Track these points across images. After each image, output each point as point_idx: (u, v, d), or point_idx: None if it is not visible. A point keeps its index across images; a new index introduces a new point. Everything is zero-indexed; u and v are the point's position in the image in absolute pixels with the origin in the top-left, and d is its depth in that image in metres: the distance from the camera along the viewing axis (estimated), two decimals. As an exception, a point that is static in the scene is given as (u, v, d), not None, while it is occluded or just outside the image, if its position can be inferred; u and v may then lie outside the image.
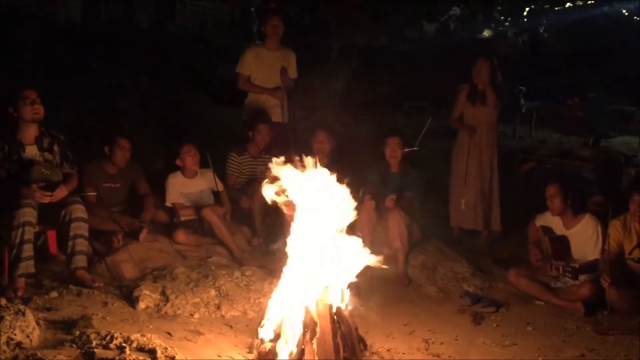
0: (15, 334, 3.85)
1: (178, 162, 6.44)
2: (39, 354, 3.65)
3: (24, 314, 4.01)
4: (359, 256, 4.12)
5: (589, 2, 23.04)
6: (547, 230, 5.71)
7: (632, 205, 5.37)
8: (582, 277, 5.38)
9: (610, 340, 4.82)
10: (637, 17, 23.85)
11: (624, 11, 23.77)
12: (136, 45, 12.47)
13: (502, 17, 24.26)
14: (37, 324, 4.13)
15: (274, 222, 6.46)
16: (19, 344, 3.83)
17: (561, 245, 5.57)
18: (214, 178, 6.49)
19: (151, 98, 10.65)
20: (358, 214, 4.25)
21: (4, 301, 4.23)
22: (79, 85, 10.01)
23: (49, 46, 11.05)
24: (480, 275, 6.00)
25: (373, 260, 4.16)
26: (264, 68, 7.06)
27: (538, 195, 5.98)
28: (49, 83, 8.52)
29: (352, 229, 4.28)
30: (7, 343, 3.79)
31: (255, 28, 18.02)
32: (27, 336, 3.92)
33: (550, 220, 5.75)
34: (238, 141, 7.01)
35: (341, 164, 6.19)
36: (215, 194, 6.58)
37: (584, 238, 5.58)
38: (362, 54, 16.18)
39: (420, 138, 6.84)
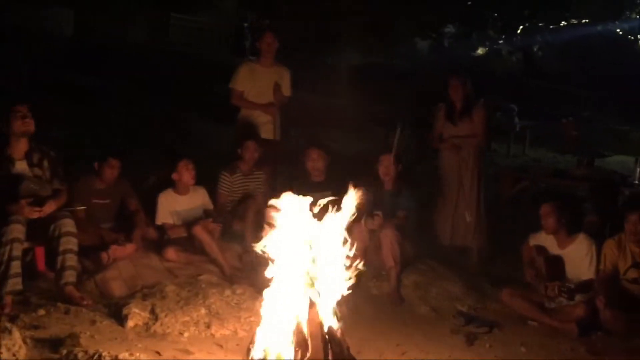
0: (1, 352, 3.79)
1: (175, 176, 6.35)
2: (25, 373, 3.60)
3: (10, 332, 3.95)
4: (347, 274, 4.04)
5: (584, 21, 23.18)
6: (541, 250, 5.67)
7: (627, 225, 5.34)
8: (577, 298, 5.34)
9: (605, 361, 4.76)
10: (632, 36, 24.05)
11: (619, 30, 23.96)
12: (129, 61, 12.46)
13: (496, 35, 24.33)
14: (24, 342, 4.06)
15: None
16: (4, 363, 3.78)
17: (555, 266, 5.53)
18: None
19: (144, 114, 10.62)
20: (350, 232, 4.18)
21: (-10, 319, 4.19)
22: (72, 103, 9.98)
23: (41, 62, 11.04)
24: (473, 295, 5.94)
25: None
26: (258, 84, 7.04)
27: (532, 215, 5.94)
28: (43, 100, 8.50)
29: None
30: (-7, 362, 3.74)
31: (249, 44, 18.08)
32: (14, 355, 3.85)
33: (545, 239, 5.72)
34: (231, 159, 6.96)
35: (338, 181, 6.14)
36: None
37: (578, 257, 5.54)
38: (358, 71, 16.20)
39: (396, 146, 6.64)
